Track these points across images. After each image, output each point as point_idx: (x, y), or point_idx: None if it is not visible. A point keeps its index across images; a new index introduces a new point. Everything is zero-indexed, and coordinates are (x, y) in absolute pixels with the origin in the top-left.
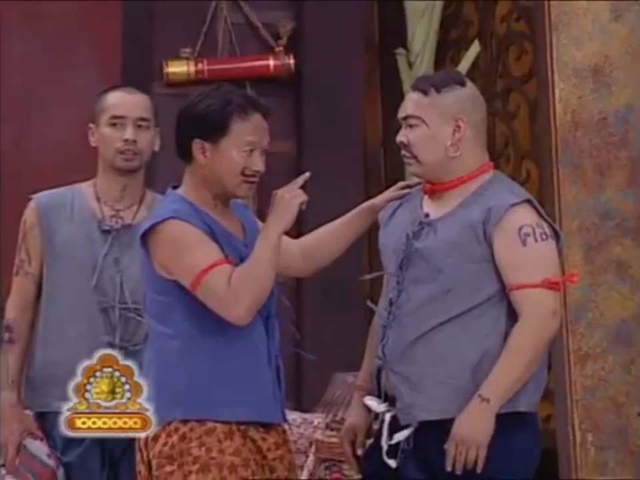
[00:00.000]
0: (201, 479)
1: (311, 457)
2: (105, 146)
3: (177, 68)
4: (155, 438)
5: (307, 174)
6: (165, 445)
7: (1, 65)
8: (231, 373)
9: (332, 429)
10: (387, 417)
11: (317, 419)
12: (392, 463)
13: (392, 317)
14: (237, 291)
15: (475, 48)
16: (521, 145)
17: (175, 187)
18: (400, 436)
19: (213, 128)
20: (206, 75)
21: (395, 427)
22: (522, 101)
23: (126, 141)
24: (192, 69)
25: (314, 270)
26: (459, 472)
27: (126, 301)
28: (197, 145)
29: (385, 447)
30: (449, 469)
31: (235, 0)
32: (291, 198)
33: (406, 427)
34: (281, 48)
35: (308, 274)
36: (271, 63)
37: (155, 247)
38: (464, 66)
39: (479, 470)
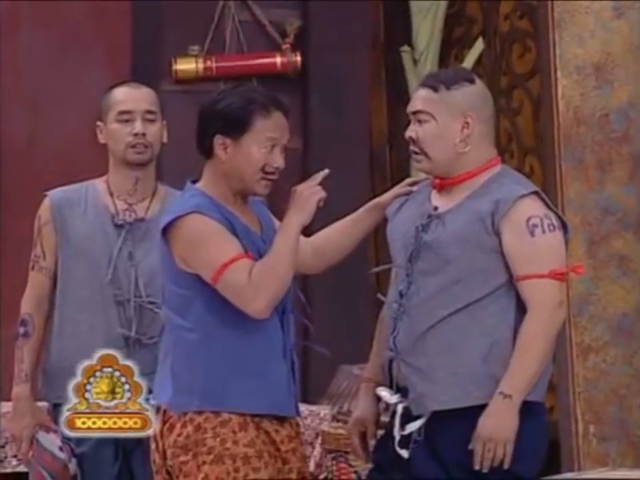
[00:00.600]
0: (214, 470)
1: (318, 448)
2: (115, 141)
3: (185, 65)
4: (170, 428)
5: (326, 171)
6: (179, 435)
7: (13, 63)
8: (247, 366)
9: (338, 421)
10: (399, 407)
11: (323, 410)
12: (404, 453)
13: (402, 309)
14: (257, 285)
15: (478, 46)
16: (525, 141)
17: (193, 182)
18: (412, 427)
19: (235, 124)
20: (214, 72)
21: (407, 417)
22: (525, 97)
23: (136, 135)
24: (200, 66)
25: (324, 268)
26: (485, 470)
27: (141, 294)
28: (218, 140)
29: (397, 437)
30: (476, 467)
31: None
32: (309, 194)
33: (418, 417)
34: (288, 45)
35: (318, 271)
36: (278, 60)
37: (176, 240)
38: (468, 63)
39: (505, 466)
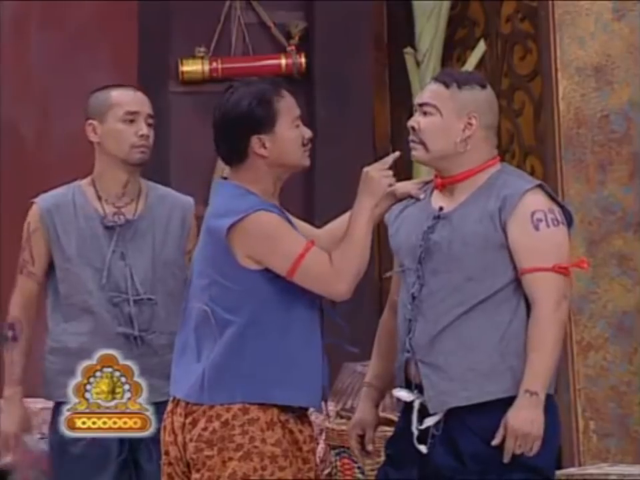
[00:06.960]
0: (242, 466)
1: (322, 444)
2: (117, 141)
3: (191, 67)
4: (194, 422)
5: (397, 153)
6: (204, 429)
7: (22, 64)
8: (291, 360)
9: (342, 417)
10: (417, 403)
11: (327, 407)
12: (422, 448)
13: (416, 311)
14: (339, 269)
15: (480, 47)
16: (526, 142)
17: (224, 179)
18: (430, 421)
19: (265, 119)
20: (220, 73)
21: (423, 413)
22: (526, 98)
23: (141, 136)
24: (206, 67)
25: None
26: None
27: (138, 292)
28: (254, 141)
29: (415, 432)
30: (506, 461)
31: (248, 0)
32: (380, 178)
33: (434, 413)
34: (293, 47)
35: None
36: (283, 61)
37: (244, 239)
38: (470, 65)
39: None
